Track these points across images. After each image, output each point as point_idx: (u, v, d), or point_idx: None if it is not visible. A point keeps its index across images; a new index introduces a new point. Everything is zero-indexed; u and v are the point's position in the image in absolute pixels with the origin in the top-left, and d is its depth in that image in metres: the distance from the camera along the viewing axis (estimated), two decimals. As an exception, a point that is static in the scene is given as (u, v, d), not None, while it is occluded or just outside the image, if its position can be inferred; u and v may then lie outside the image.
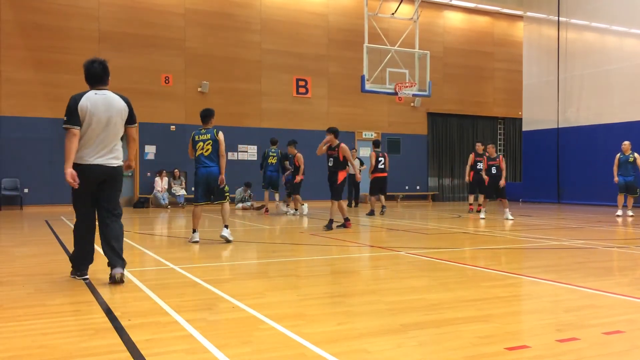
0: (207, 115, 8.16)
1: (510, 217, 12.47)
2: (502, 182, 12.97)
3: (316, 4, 20.52)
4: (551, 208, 17.41)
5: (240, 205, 17.40)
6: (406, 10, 18.77)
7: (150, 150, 18.21)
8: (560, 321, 3.72)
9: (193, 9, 18.71)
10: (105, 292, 4.63)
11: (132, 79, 17.77)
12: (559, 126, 20.07)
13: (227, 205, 8.18)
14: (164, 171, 17.83)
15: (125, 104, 5.20)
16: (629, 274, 5.56)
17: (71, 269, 5.35)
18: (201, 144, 7.90)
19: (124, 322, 3.63)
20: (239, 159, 19.27)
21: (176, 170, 18.10)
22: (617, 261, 6.55)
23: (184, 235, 9.68)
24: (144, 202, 17.76)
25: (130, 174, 4.95)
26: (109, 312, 3.90)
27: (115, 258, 5.02)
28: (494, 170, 13.18)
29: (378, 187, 14.36)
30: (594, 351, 3.10)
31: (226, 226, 8.14)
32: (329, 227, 10.00)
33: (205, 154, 7.90)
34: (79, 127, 4.94)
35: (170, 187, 17.93)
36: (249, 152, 19.41)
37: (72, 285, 5.04)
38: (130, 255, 7.22)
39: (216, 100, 18.96)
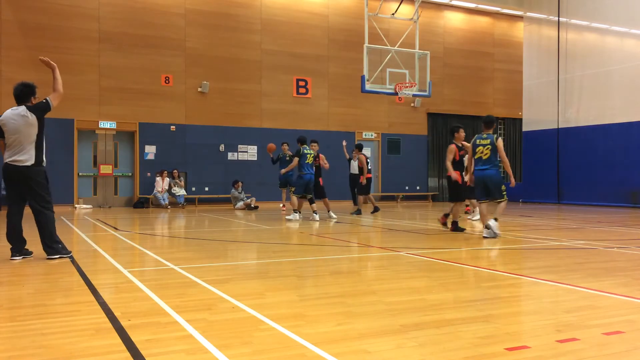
0: (491, 121, 8.75)
1: (471, 217, 12.64)
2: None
3: (316, 5, 20.53)
4: (551, 209, 17.41)
5: (241, 203, 17.44)
6: (406, 10, 18.77)
7: (150, 151, 18.21)
8: (560, 322, 3.72)
9: (193, 9, 18.72)
10: (105, 293, 4.63)
11: (133, 79, 17.79)
12: (559, 127, 20.07)
13: (503, 204, 8.75)
14: (165, 172, 17.83)
15: (28, 110, 6.36)
16: (629, 275, 5.56)
17: (11, 251, 6.42)
18: (481, 147, 8.49)
19: (124, 322, 3.63)
20: (239, 159, 19.29)
21: (175, 170, 18.10)
22: (617, 262, 6.55)
23: (184, 235, 9.68)
24: (144, 202, 17.77)
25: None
26: (109, 312, 3.90)
27: (45, 247, 6.39)
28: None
29: (369, 187, 14.75)
30: (593, 352, 3.10)
31: (495, 219, 8.54)
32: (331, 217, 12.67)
33: (484, 157, 8.51)
34: (2, 138, 6.38)
35: (170, 187, 17.93)
36: (249, 152, 19.42)
37: (72, 285, 5.05)
38: (130, 256, 7.24)
39: (216, 100, 18.98)
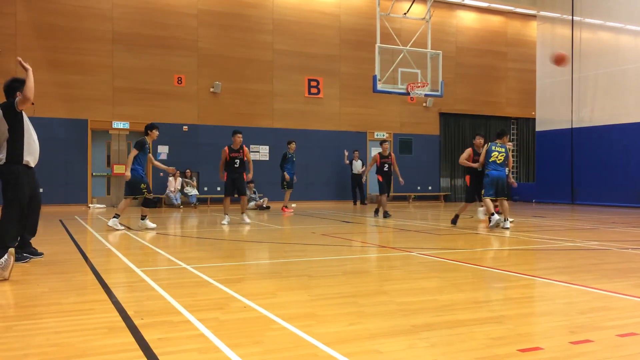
0: (503, 133, 10.69)
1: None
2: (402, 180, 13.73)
3: (328, 5, 20.52)
4: (565, 209, 17.27)
5: (253, 203, 17.50)
6: (418, 10, 18.71)
7: (163, 151, 18.30)
8: (574, 323, 3.69)
9: (206, 9, 18.80)
10: (119, 291, 4.66)
11: (145, 79, 17.90)
12: (573, 126, 19.89)
13: (506, 202, 10.49)
14: (178, 171, 17.92)
15: None
16: (643, 276, 5.50)
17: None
18: (496, 153, 10.34)
19: (136, 321, 3.66)
20: (251, 159, 19.31)
21: (188, 170, 18.19)
22: (631, 263, 6.48)
23: (196, 235, 9.73)
24: (157, 202, 17.87)
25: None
26: (122, 311, 3.93)
27: None
28: (385, 168, 13.27)
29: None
30: (607, 353, 3.07)
31: (507, 219, 10.21)
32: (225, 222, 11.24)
33: (498, 161, 10.37)
34: None
35: (182, 187, 18.02)
36: (261, 153, 19.46)
37: (86, 284, 5.09)
38: (143, 255, 7.29)
39: (228, 100, 19.05)
